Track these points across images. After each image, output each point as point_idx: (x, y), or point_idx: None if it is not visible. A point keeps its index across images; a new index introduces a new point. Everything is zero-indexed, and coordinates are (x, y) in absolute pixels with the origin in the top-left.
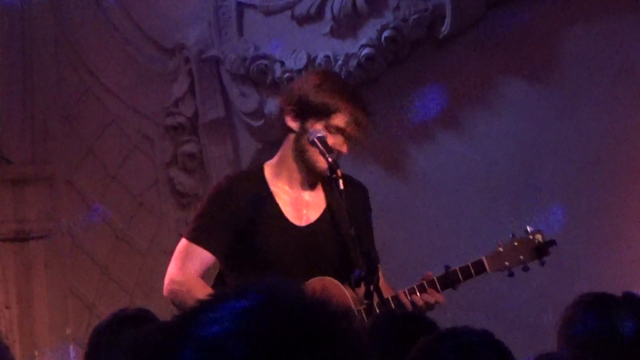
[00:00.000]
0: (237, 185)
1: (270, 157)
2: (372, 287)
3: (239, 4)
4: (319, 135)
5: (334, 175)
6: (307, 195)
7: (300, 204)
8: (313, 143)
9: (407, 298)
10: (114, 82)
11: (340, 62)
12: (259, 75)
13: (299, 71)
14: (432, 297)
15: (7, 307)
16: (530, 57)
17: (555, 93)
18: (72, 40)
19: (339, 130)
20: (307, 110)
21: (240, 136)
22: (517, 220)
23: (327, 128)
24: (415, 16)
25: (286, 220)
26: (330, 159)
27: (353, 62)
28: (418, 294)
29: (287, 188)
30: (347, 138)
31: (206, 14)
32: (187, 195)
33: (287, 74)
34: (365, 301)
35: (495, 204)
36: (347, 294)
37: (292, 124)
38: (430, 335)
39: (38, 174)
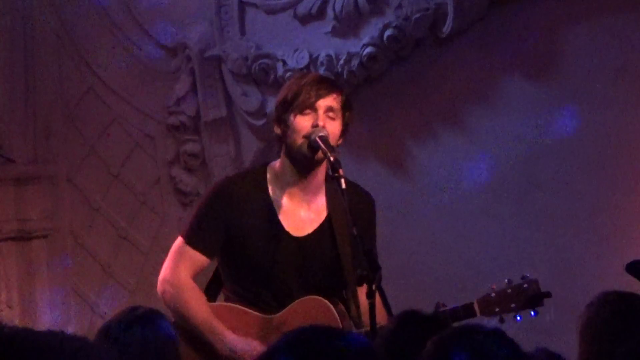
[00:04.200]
0: (236, 189)
1: (272, 156)
2: (374, 286)
3: (241, 3)
4: (320, 134)
5: (336, 174)
6: (307, 204)
7: (300, 213)
8: (315, 142)
9: None
10: (116, 81)
11: (342, 62)
12: (261, 74)
13: (301, 70)
14: None
15: (9, 307)
16: (532, 56)
17: (557, 91)
18: (74, 39)
19: (307, 107)
20: (280, 111)
21: (242, 135)
22: (519, 218)
23: (298, 112)
24: (418, 15)
25: (282, 229)
26: (332, 158)
27: (355, 61)
28: None
29: (286, 196)
30: (320, 111)
31: (208, 12)
32: (189, 194)
33: (289, 73)
34: (368, 300)
35: (497, 202)
36: (336, 315)
37: (277, 129)
38: (442, 334)
39: (40, 173)
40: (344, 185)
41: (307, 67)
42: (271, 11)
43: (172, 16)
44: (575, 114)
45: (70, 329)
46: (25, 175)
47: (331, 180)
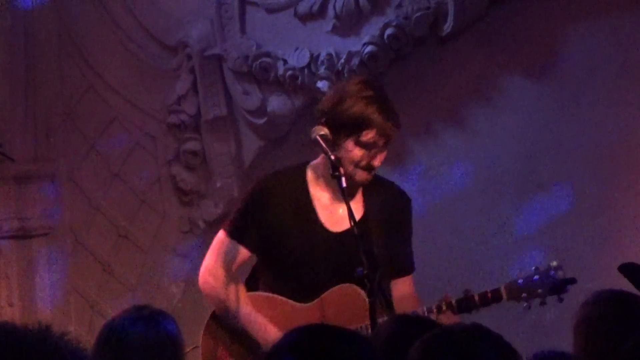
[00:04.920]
0: (277, 186)
1: (272, 155)
2: (374, 285)
3: (242, 2)
4: (321, 133)
5: (337, 173)
6: (344, 202)
7: (338, 211)
8: (315, 141)
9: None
10: (116, 80)
11: (342, 60)
12: (261, 73)
13: (302, 69)
14: (448, 319)
15: (9, 305)
16: (532, 54)
17: (557, 90)
18: (74, 38)
19: (369, 145)
20: (338, 125)
21: (242, 134)
22: (520, 217)
23: (358, 143)
24: (418, 14)
25: (321, 224)
26: (333, 157)
27: (356, 60)
28: (435, 314)
29: (326, 193)
30: (378, 149)
31: (209, 11)
32: (189, 193)
33: (289, 72)
34: (368, 299)
35: (498, 200)
36: (367, 303)
37: (325, 132)
38: (426, 335)
39: (40, 171)
40: (344, 184)
41: (308, 66)
42: (272, 10)
43: (172, 15)
44: (576, 112)
45: (70, 327)
46: (26, 174)
47: (368, 190)
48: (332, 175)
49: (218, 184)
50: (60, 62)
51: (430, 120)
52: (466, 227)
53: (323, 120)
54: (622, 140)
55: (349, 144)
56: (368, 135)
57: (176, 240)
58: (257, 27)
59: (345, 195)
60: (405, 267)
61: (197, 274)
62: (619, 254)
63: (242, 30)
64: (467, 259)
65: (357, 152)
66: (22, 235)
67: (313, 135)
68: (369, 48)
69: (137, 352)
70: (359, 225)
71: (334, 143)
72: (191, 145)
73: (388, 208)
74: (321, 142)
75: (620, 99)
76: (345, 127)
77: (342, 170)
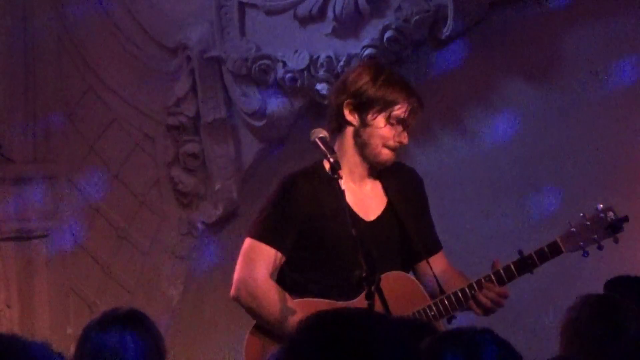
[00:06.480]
0: (300, 183)
1: (272, 157)
2: (372, 287)
3: (241, 4)
4: (320, 135)
5: (336, 176)
6: (369, 189)
7: (365, 198)
8: (314, 144)
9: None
10: (116, 81)
11: (342, 63)
12: (261, 75)
13: (301, 71)
14: (499, 292)
15: (8, 306)
16: (532, 57)
17: (557, 93)
18: (74, 39)
19: (399, 121)
20: (367, 104)
21: (242, 136)
22: (519, 220)
23: (388, 119)
24: (417, 17)
25: (355, 214)
26: (332, 159)
27: (355, 63)
28: (495, 282)
29: (349, 182)
30: (406, 127)
31: (208, 13)
32: (188, 195)
33: (289, 74)
34: (367, 302)
35: (497, 204)
36: (420, 286)
37: (351, 117)
38: (433, 336)
39: (40, 172)
40: (343, 187)
41: (307, 68)
42: (271, 12)
43: (172, 17)
44: (575, 115)
45: (68, 329)
46: (25, 175)
47: (387, 175)
48: (332, 177)
49: (217, 186)
50: (59, 64)
51: (429, 123)
52: (464, 230)
53: (348, 102)
54: (622, 143)
55: (380, 121)
56: (400, 110)
57: (175, 242)
58: (257, 29)
59: (344, 198)
60: (436, 244)
61: (196, 276)
62: (618, 255)
63: (242, 32)
64: (466, 261)
65: (387, 130)
66: (21, 236)
67: (312, 138)
68: (368, 51)
69: (112, 354)
70: (388, 213)
71: (362, 124)
72: (190, 147)
73: (406, 189)
74: (320, 144)
75: (620, 102)
76: (377, 102)
77: (341, 172)
